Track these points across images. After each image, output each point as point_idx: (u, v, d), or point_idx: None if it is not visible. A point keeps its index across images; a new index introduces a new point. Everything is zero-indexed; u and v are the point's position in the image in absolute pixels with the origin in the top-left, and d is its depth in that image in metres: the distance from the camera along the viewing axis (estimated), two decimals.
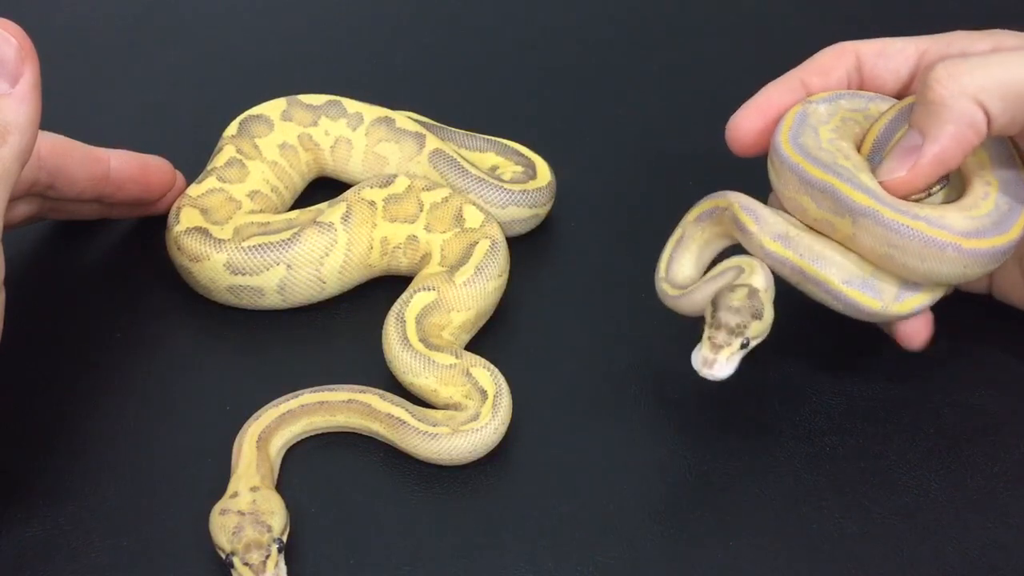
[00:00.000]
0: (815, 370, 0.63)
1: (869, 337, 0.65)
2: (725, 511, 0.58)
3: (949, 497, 0.58)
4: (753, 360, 0.64)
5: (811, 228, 0.59)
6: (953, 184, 0.59)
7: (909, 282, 0.58)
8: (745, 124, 0.61)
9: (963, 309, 0.65)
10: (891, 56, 0.61)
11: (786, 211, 0.60)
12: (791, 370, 0.63)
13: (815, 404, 0.62)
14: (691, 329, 0.65)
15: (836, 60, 0.61)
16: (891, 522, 0.57)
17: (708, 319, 0.55)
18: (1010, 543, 0.56)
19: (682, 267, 0.61)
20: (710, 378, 0.54)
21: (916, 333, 0.60)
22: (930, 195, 0.58)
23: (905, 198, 0.57)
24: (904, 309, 0.58)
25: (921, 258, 0.56)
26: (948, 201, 0.58)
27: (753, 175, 0.64)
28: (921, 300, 0.58)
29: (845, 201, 0.56)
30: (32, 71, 0.53)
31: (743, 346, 0.55)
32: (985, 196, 0.57)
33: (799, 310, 0.66)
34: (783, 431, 0.61)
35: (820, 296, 0.58)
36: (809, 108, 0.60)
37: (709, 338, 0.54)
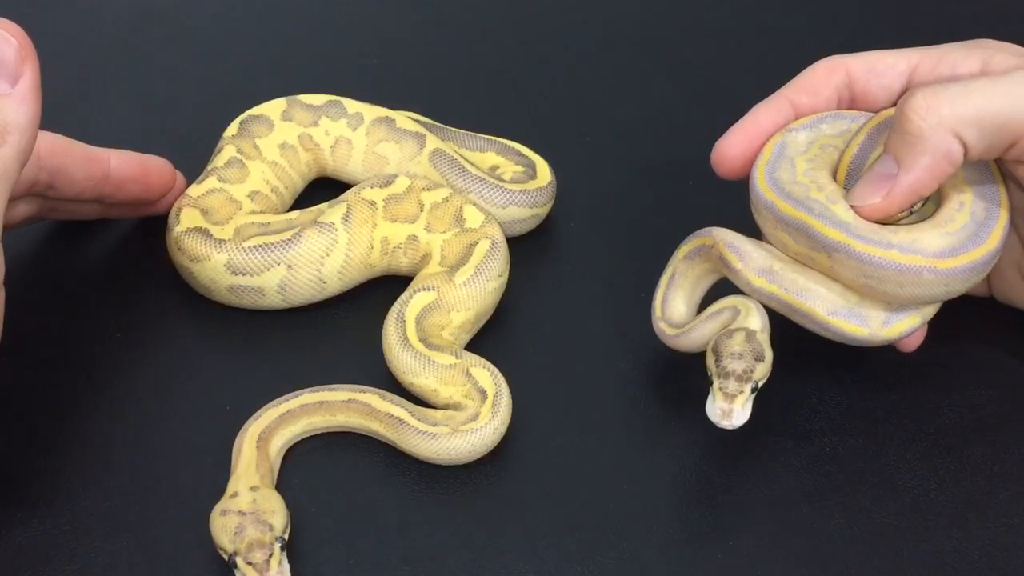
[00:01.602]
0: (815, 370, 0.63)
1: None
2: (725, 511, 0.58)
3: (949, 497, 0.58)
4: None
5: (795, 260, 0.59)
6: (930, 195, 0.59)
7: (896, 308, 0.58)
8: (730, 150, 0.61)
9: (963, 309, 0.65)
10: (882, 73, 0.61)
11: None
12: (791, 370, 0.63)
13: (815, 404, 0.62)
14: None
15: (826, 78, 0.61)
16: (891, 522, 0.57)
17: (714, 369, 0.56)
18: (1010, 543, 0.56)
19: (677, 305, 0.61)
20: (730, 428, 0.55)
21: (906, 343, 0.61)
22: (912, 212, 0.58)
23: (880, 223, 0.57)
24: (892, 334, 0.58)
25: (900, 285, 0.56)
26: (924, 213, 0.58)
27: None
28: (909, 323, 0.58)
29: (818, 237, 0.57)
30: (32, 71, 0.53)
31: (753, 390, 0.55)
32: (960, 207, 0.57)
33: None
34: (783, 431, 0.61)
35: (810, 327, 0.59)
36: (788, 137, 0.61)
37: (720, 389, 0.55)
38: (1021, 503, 0.58)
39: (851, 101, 0.62)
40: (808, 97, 0.61)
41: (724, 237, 0.59)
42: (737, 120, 0.62)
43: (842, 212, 0.57)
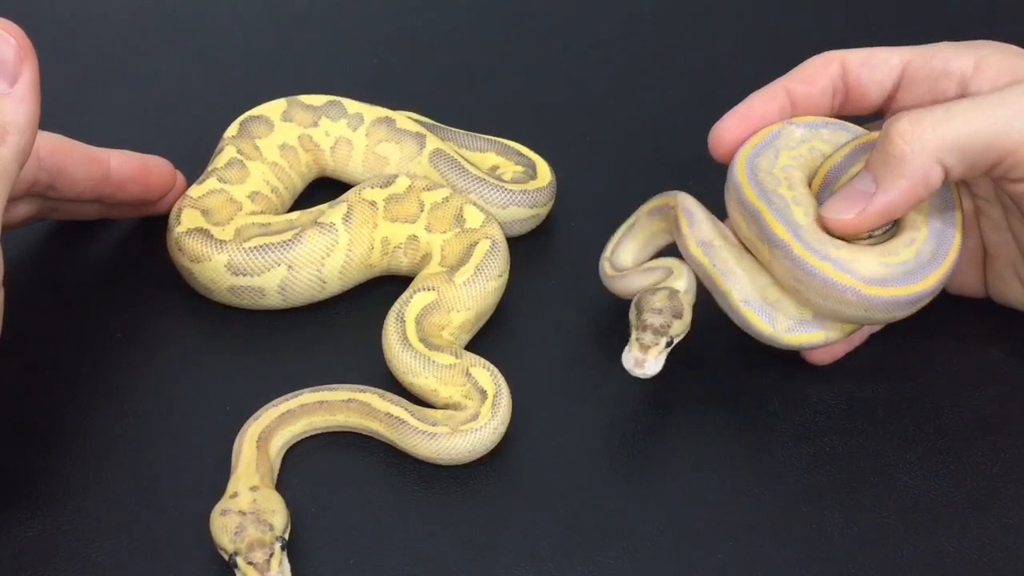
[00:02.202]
0: (815, 370, 0.63)
1: (869, 338, 0.65)
2: (725, 511, 0.58)
3: (949, 497, 0.58)
4: (753, 360, 0.64)
5: (739, 243, 0.60)
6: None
7: (809, 317, 0.59)
8: (726, 134, 0.62)
9: (963, 309, 0.66)
10: (875, 67, 0.61)
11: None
12: (791, 370, 0.63)
13: (815, 404, 0.62)
14: (692, 329, 0.65)
15: (822, 69, 0.62)
16: (891, 522, 0.57)
17: (635, 321, 0.58)
18: (1010, 543, 0.56)
19: (626, 253, 0.64)
20: (641, 376, 0.57)
21: (812, 355, 0.63)
22: (871, 236, 0.59)
23: (846, 239, 0.57)
24: (792, 341, 0.59)
25: (823, 297, 0.57)
26: (885, 238, 0.59)
27: None
28: (812, 339, 0.59)
29: (766, 229, 0.58)
30: (31, 71, 0.53)
31: (668, 344, 0.58)
32: (910, 243, 0.58)
33: None
34: (783, 431, 0.61)
35: (724, 308, 0.60)
36: (786, 129, 0.61)
37: (637, 339, 0.58)
38: (1021, 503, 0.58)
39: (845, 93, 0.62)
40: (804, 86, 0.62)
41: (685, 202, 0.62)
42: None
43: (799, 215, 0.58)
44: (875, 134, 0.60)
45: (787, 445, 0.60)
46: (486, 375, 0.60)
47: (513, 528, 0.57)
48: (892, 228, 0.59)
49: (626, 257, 0.64)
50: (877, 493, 0.58)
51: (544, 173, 0.71)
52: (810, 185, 0.61)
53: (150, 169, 0.68)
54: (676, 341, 0.58)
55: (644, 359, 0.57)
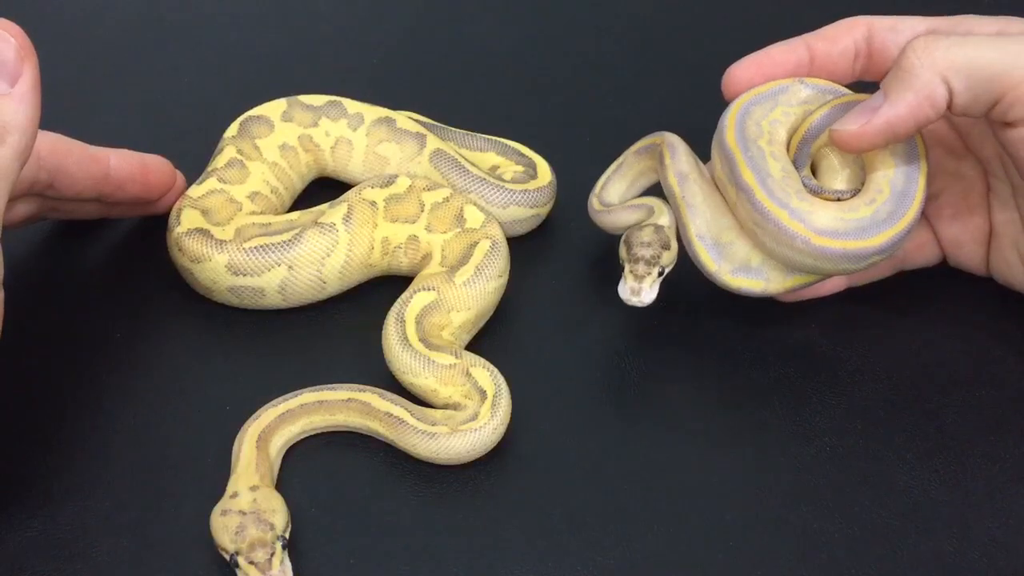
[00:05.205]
0: (815, 370, 0.63)
1: (869, 337, 0.65)
2: (725, 511, 0.58)
3: (949, 497, 0.58)
4: (754, 360, 0.64)
5: (713, 182, 0.63)
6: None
7: (755, 265, 0.61)
8: (739, 75, 0.63)
9: (963, 309, 0.66)
10: (901, 32, 0.62)
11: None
12: (791, 370, 0.63)
13: (815, 404, 0.62)
14: (691, 328, 0.65)
15: (846, 30, 0.63)
16: (891, 522, 0.57)
17: (626, 256, 0.62)
18: (1010, 543, 0.56)
19: (614, 190, 0.67)
20: (638, 305, 0.60)
21: (784, 299, 0.65)
22: (839, 200, 0.60)
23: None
24: (731, 283, 0.61)
25: (776, 242, 0.59)
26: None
27: None
28: (751, 285, 0.61)
29: (736, 174, 0.60)
30: (31, 71, 0.53)
31: (660, 273, 0.61)
32: (870, 202, 0.59)
33: (798, 311, 0.66)
34: (783, 431, 0.61)
35: (682, 238, 0.62)
36: (794, 87, 0.63)
37: (631, 271, 0.61)
38: (1021, 503, 0.58)
39: (868, 56, 0.63)
40: (825, 44, 0.63)
41: (670, 139, 0.64)
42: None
43: (772, 167, 0.60)
44: (861, 95, 0.61)
45: (787, 445, 0.60)
46: (486, 375, 0.60)
47: (513, 528, 0.57)
48: (857, 194, 0.61)
49: (613, 195, 0.67)
50: (877, 493, 0.58)
51: (544, 173, 0.71)
52: (789, 142, 0.62)
53: (149, 168, 0.68)
54: (667, 271, 0.62)
55: (640, 287, 0.60)
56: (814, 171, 0.62)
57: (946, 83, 0.56)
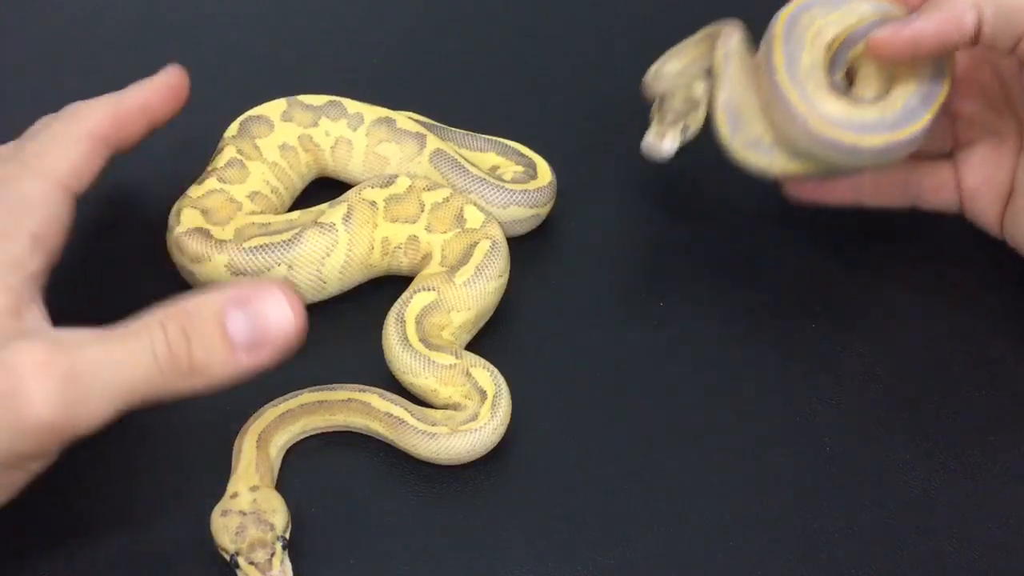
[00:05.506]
0: (815, 370, 0.63)
1: (869, 337, 0.65)
2: (725, 511, 0.58)
3: (949, 497, 0.58)
4: (754, 360, 0.64)
5: (754, 66, 0.65)
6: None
7: (766, 144, 0.63)
8: None
9: (963, 309, 0.66)
10: None
11: None
12: (791, 370, 0.63)
13: (815, 404, 0.62)
14: (689, 328, 0.65)
15: None
16: (891, 522, 0.57)
17: (656, 109, 0.66)
18: (1010, 543, 0.56)
19: (670, 65, 0.69)
20: (657, 154, 0.65)
21: (792, 189, 0.67)
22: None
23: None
24: (740, 155, 0.64)
25: (783, 118, 0.62)
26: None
27: (751, 182, 0.64)
28: (757, 161, 0.64)
29: (770, 52, 0.63)
30: (272, 354, 0.52)
31: (683, 131, 0.65)
32: (881, 109, 0.61)
33: (798, 311, 0.66)
34: (783, 431, 0.61)
35: (712, 103, 0.65)
36: (858, 1, 0.64)
37: (657, 123, 0.66)
38: (1021, 503, 0.58)
39: None
40: None
41: (731, 26, 0.66)
42: None
43: (805, 58, 0.62)
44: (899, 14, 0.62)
45: (787, 445, 0.60)
46: (486, 375, 0.60)
47: (513, 528, 0.57)
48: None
49: (669, 69, 0.69)
50: (877, 493, 0.58)
51: (544, 173, 0.71)
52: (831, 47, 0.63)
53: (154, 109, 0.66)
54: (691, 132, 0.66)
55: (662, 137, 0.65)
56: (850, 83, 0.64)
57: (977, 9, 0.57)
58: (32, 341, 0.51)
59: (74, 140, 0.60)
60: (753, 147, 0.63)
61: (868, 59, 0.62)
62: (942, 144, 0.66)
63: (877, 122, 0.60)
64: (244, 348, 0.51)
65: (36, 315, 0.54)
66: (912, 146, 0.61)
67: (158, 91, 0.65)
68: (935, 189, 0.66)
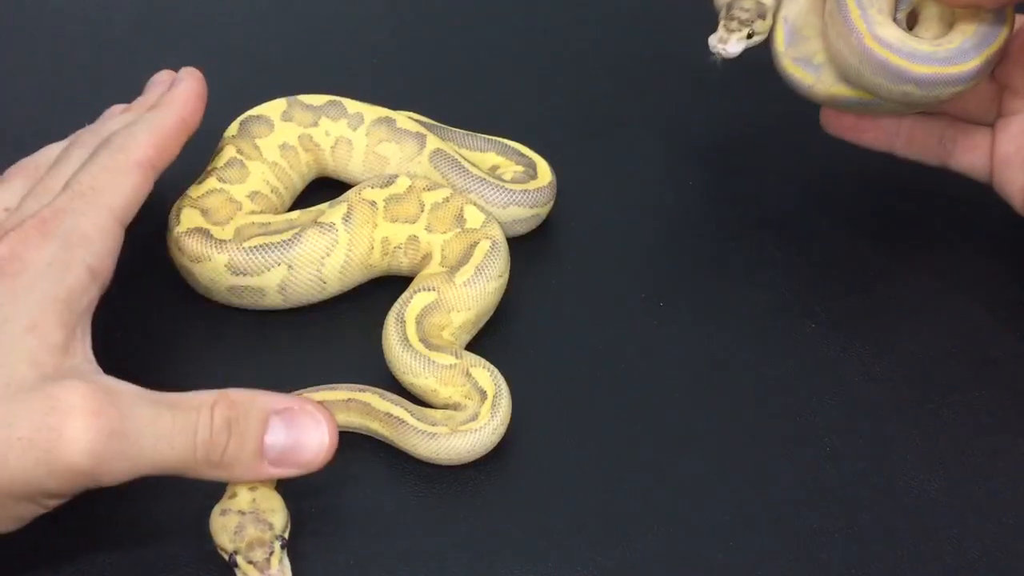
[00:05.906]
0: (815, 370, 0.63)
1: (869, 337, 0.65)
2: (725, 511, 0.58)
3: (949, 497, 0.58)
4: (754, 360, 0.64)
5: None
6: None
7: (817, 62, 0.64)
8: None
9: (963, 309, 0.66)
10: None
11: None
12: (791, 370, 0.63)
13: (815, 404, 0.62)
14: (690, 329, 0.65)
15: None
16: (891, 522, 0.57)
17: (723, 15, 0.66)
18: (1010, 543, 0.56)
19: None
20: (722, 54, 0.65)
21: (831, 122, 0.68)
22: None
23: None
24: (788, 68, 0.66)
25: (838, 33, 0.62)
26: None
27: (751, 182, 0.64)
28: (803, 77, 0.65)
29: None
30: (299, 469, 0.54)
31: (749, 35, 0.65)
32: (938, 44, 0.62)
33: (798, 311, 0.66)
34: (783, 431, 0.61)
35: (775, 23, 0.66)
36: None
37: (724, 25, 0.65)
38: (1021, 503, 0.58)
39: None
40: None
41: None
42: (733, 119, 0.62)
43: None
44: None
45: (787, 445, 0.60)
46: (486, 375, 0.60)
47: (513, 528, 0.57)
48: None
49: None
50: (877, 493, 0.58)
51: (544, 173, 0.71)
52: None
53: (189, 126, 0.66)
54: (756, 38, 0.65)
55: (728, 38, 0.64)
56: (913, 25, 0.64)
57: None
58: (84, 383, 0.52)
59: (124, 172, 0.60)
60: (802, 63, 0.65)
61: (931, 2, 0.63)
62: (986, 112, 0.67)
63: (928, 55, 0.61)
64: (273, 461, 0.54)
65: (83, 351, 0.55)
66: (956, 86, 0.62)
67: (188, 104, 0.65)
68: (969, 148, 0.67)
